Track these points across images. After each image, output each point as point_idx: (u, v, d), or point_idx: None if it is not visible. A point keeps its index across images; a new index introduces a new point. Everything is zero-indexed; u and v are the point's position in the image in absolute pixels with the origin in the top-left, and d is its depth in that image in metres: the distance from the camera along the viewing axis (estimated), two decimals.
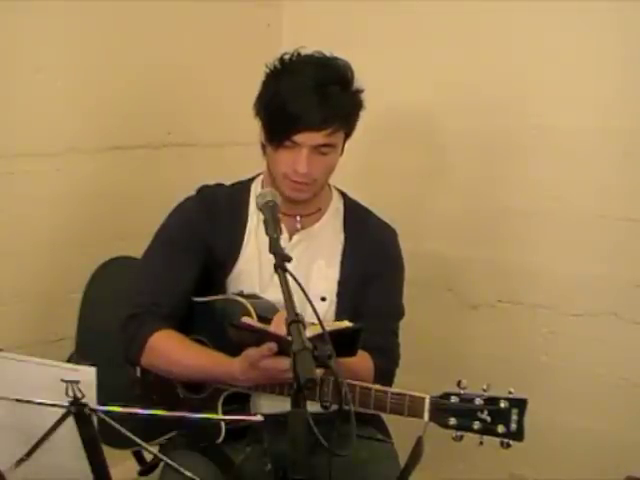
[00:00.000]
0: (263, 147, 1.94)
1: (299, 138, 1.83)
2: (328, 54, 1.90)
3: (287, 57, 1.90)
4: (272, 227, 1.64)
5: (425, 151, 2.81)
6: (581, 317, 2.55)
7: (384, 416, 1.97)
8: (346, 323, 1.78)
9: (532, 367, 2.61)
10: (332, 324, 1.77)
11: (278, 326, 1.71)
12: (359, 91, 1.91)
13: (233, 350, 1.74)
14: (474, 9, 2.61)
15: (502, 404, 1.67)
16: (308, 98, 1.82)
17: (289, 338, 1.62)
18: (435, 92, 2.71)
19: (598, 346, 2.51)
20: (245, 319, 1.77)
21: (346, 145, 1.96)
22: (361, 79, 1.92)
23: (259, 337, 1.69)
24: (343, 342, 1.54)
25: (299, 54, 1.90)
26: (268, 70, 1.92)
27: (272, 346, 1.66)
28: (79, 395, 1.34)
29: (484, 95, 2.62)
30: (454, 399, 1.69)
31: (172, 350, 1.85)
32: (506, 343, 2.69)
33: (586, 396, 2.53)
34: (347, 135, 1.93)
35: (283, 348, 1.66)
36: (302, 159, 1.84)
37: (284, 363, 1.66)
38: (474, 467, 2.62)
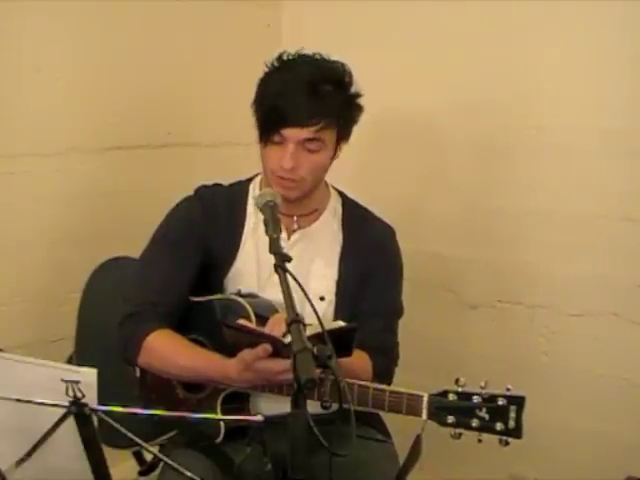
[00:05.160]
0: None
1: (285, 132, 1.83)
2: (327, 56, 1.90)
3: (285, 56, 1.90)
4: (272, 227, 1.64)
5: (424, 151, 2.81)
6: (581, 317, 2.55)
7: (384, 416, 1.97)
8: (340, 323, 1.78)
9: (532, 367, 2.62)
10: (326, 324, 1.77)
11: (274, 327, 1.71)
12: (356, 95, 1.91)
13: (231, 350, 1.74)
14: (474, 10, 2.61)
15: (500, 401, 1.67)
16: (297, 94, 1.82)
17: (284, 340, 1.63)
18: (434, 92, 2.71)
19: (598, 346, 2.51)
20: (241, 321, 1.77)
21: (345, 144, 1.95)
22: (360, 79, 1.92)
23: (253, 338, 1.69)
24: (338, 342, 1.54)
25: (298, 54, 1.90)
26: (267, 69, 1.92)
27: (267, 347, 1.66)
28: (79, 395, 1.34)
29: (483, 95, 2.62)
30: (452, 397, 1.69)
31: (168, 350, 1.85)
32: (506, 343, 2.69)
33: (586, 396, 2.53)
34: (341, 137, 1.92)
35: (278, 350, 1.66)
36: (287, 154, 1.84)
37: (279, 365, 1.66)
38: (474, 467, 2.62)
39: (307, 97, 1.82)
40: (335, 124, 1.88)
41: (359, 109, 1.92)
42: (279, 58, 1.91)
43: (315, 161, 1.88)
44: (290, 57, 1.90)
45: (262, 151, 1.90)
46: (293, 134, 1.83)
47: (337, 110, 1.87)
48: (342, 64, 1.91)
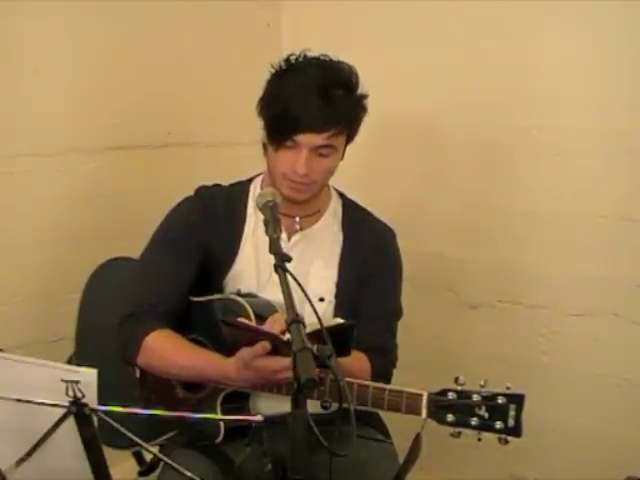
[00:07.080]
0: (264, 147, 1.94)
1: (300, 139, 1.83)
2: (334, 58, 1.90)
3: (293, 58, 1.90)
4: (272, 227, 1.64)
5: (425, 152, 2.81)
6: (581, 317, 2.55)
7: (384, 416, 1.97)
8: (338, 320, 1.78)
9: (532, 367, 2.61)
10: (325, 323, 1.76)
11: (273, 325, 1.70)
12: (363, 96, 1.91)
13: (230, 350, 1.74)
14: (474, 10, 2.61)
15: (500, 400, 1.67)
16: (310, 99, 1.81)
17: (283, 337, 1.62)
18: (435, 92, 2.71)
19: (598, 346, 2.51)
20: (240, 319, 1.77)
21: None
22: (360, 80, 1.91)
23: (252, 336, 1.69)
24: (337, 339, 1.53)
25: (305, 56, 1.90)
26: (273, 70, 1.92)
27: (265, 345, 1.66)
28: (79, 395, 1.34)
29: (483, 95, 2.62)
30: (452, 395, 1.69)
31: (167, 350, 1.85)
32: (506, 343, 2.69)
33: (586, 396, 2.53)
34: (349, 139, 1.93)
35: (277, 347, 1.65)
36: (301, 160, 1.84)
37: (278, 363, 1.66)
38: (474, 467, 2.63)
39: (320, 102, 1.81)
40: (346, 128, 1.88)
41: (365, 110, 1.93)
42: (287, 60, 1.90)
43: (327, 165, 1.89)
44: (298, 59, 1.89)
45: (271, 154, 1.89)
46: (307, 140, 1.83)
47: (348, 114, 1.87)
48: (349, 65, 1.91)
